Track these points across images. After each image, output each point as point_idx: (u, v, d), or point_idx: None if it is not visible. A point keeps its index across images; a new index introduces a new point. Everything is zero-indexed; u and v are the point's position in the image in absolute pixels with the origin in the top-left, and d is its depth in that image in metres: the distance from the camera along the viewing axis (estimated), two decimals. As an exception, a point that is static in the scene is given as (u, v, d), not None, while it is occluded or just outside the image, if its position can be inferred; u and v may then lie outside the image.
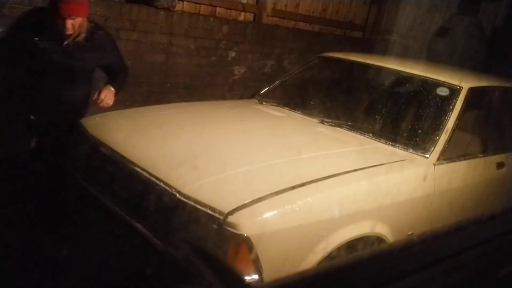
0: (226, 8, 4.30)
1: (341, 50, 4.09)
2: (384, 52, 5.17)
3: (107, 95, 2.61)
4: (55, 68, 2.45)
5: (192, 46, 4.01)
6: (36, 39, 2.37)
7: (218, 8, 4.24)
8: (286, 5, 4.82)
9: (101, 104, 2.58)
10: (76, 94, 2.59)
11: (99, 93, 2.59)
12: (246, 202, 1.74)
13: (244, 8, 4.44)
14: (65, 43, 2.41)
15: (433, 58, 4.62)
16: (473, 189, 2.69)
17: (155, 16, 3.69)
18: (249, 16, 4.55)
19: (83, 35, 2.44)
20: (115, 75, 2.74)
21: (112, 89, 2.66)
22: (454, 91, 2.68)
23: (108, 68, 2.71)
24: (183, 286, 1.57)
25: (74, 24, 2.35)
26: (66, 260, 2.08)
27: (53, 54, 2.42)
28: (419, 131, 2.57)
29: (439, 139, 2.48)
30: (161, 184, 1.91)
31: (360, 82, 3.29)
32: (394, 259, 0.92)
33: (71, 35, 2.39)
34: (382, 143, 2.54)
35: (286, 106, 3.01)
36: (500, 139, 3.09)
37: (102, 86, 2.69)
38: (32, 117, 2.54)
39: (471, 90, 2.70)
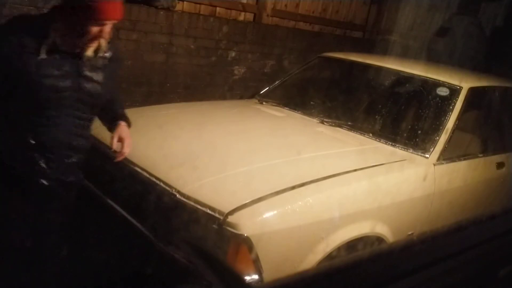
0: (226, 8, 4.30)
1: (341, 50, 4.09)
2: (384, 52, 5.17)
3: (127, 138, 1.89)
4: (66, 101, 1.70)
5: (192, 46, 4.01)
6: (39, 58, 1.62)
7: (218, 8, 4.23)
8: (286, 5, 4.81)
9: (125, 152, 1.88)
10: (85, 138, 1.83)
11: (120, 139, 1.88)
12: (246, 202, 1.75)
13: (244, 8, 4.44)
14: (83, 61, 1.70)
15: (433, 58, 4.62)
16: (473, 189, 2.69)
17: (155, 16, 3.69)
18: (249, 16, 4.55)
19: (105, 47, 1.73)
20: (114, 101, 1.97)
21: (127, 126, 1.95)
22: (454, 91, 2.68)
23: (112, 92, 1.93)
24: (183, 286, 1.57)
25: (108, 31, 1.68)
26: (66, 260, 2.08)
27: (65, 80, 1.68)
28: (419, 131, 2.57)
29: (439, 139, 2.48)
30: (161, 184, 1.91)
31: (360, 82, 3.29)
32: (394, 259, 0.92)
33: (88, 49, 1.69)
34: (382, 143, 2.54)
35: (286, 106, 3.01)
36: (500, 139, 3.09)
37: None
38: (44, 182, 1.76)
39: (471, 90, 2.70)
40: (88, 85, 1.73)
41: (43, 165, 1.73)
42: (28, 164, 1.72)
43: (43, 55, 1.62)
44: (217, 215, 1.71)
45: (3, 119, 1.72)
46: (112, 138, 1.88)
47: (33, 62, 1.61)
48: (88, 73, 1.73)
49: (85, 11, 1.58)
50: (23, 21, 1.70)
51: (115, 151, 1.88)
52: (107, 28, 1.66)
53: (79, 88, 1.72)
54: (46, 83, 1.64)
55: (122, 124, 1.93)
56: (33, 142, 1.69)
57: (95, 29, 1.63)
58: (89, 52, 1.70)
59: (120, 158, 1.88)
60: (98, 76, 1.76)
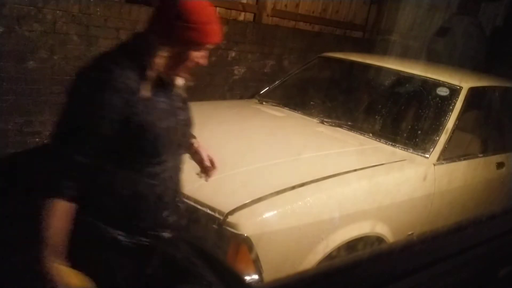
0: (226, 8, 4.30)
1: (341, 50, 4.09)
2: (384, 52, 5.17)
3: (211, 154, 1.74)
4: (177, 140, 1.49)
5: (192, 46, 4.01)
6: (144, 98, 1.36)
7: (218, 8, 4.23)
8: (286, 5, 4.81)
9: (216, 168, 1.73)
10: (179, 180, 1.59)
11: (210, 163, 1.71)
12: (246, 202, 1.75)
13: (244, 8, 4.44)
14: (175, 91, 1.52)
15: (433, 58, 4.62)
16: (473, 189, 2.69)
17: (155, 16, 3.69)
18: (249, 16, 4.54)
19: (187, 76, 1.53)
20: None
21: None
22: (454, 91, 2.68)
23: None
24: (183, 286, 1.56)
25: None
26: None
27: (170, 116, 1.46)
28: (419, 131, 2.57)
29: (439, 139, 2.49)
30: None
31: (360, 82, 3.29)
32: (394, 259, 0.92)
33: (179, 78, 1.52)
34: (382, 143, 2.54)
35: (286, 106, 3.02)
36: (500, 139, 3.10)
37: None
38: (165, 234, 1.56)
39: (471, 90, 2.70)
40: (184, 117, 1.54)
41: (163, 218, 1.50)
42: (147, 222, 1.48)
43: (147, 93, 1.36)
44: (217, 215, 1.71)
45: (111, 180, 1.42)
46: (200, 159, 1.71)
47: (141, 105, 1.35)
48: (180, 104, 1.54)
49: (191, 35, 1.38)
50: (113, 58, 1.38)
51: (205, 171, 1.71)
52: (207, 53, 1.48)
53: (180, 123, 1.51)
54: (159, 125, 1.39)
55: (198, 142, 1.74)
56: (150, 195, 1.44)
57: (196, 55, 1.44)
58: (179, 81, 1.53)
59: (212, 176, 1.72)
60: (185, 105, 1.59)
